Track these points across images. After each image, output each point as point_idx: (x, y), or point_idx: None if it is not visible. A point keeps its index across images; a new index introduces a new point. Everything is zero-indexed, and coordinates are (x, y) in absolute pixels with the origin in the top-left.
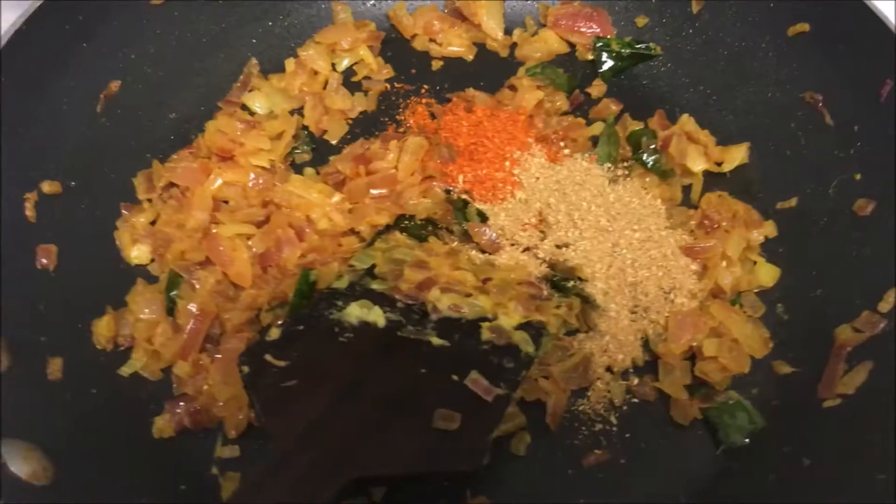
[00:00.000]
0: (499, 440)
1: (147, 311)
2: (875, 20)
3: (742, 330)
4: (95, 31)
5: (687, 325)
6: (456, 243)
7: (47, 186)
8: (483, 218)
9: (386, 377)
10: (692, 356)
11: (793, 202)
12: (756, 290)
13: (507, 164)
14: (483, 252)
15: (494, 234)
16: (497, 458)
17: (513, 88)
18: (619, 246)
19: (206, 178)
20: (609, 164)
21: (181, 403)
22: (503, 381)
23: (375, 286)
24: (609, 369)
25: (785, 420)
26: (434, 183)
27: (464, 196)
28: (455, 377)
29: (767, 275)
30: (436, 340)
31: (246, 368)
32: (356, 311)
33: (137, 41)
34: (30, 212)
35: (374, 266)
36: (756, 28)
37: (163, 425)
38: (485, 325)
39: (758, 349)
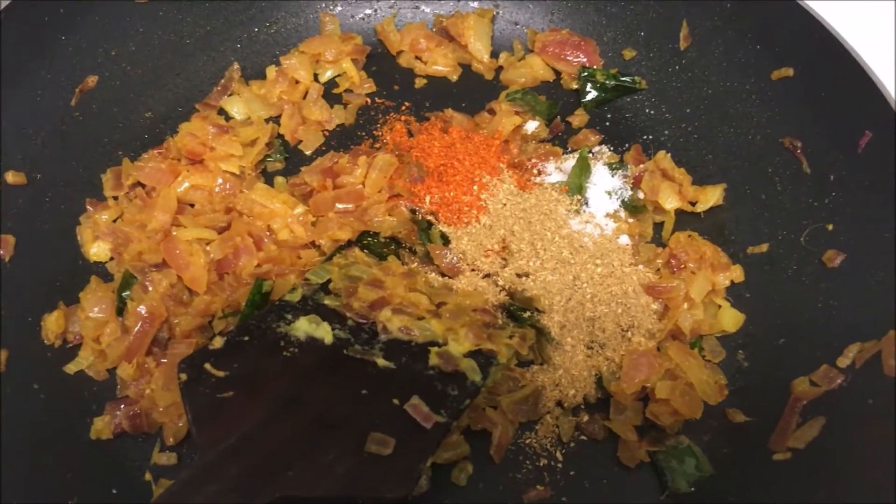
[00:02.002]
0: (440, 469)
1: (97, 309)
2: (859, 70)
3: (698, 374)
4: (76, 25)
5: (642, 364)
6: (416, 264)
7: (12, 177)
8: (446, 240)
9: (325, 396)
10: (646, 397)
11: (764, 248)
12: (718, 335)
13: (476, 188)
14: (443, 275)
15: (455, 258)
16: (436, 487)
17: (491, 112)
18: (580, 279)
19: (173, 179)
20: (579, 196)
21: (122, 406)
22: (445, 409)
23: (328, 302)
24: (560, 404)
25: (733, 470)
26: (401, 202)
27: (429, 217)
28: (396, 401)
29: (731, 320)
30: (381, 362)
31: (184, 376)
32: (304, 326)
33: (119, 38)
34: None
35: (329, 281)
36: (741, 69)
37: (101, 427)
38: (433, 349)
39: (712, 395)
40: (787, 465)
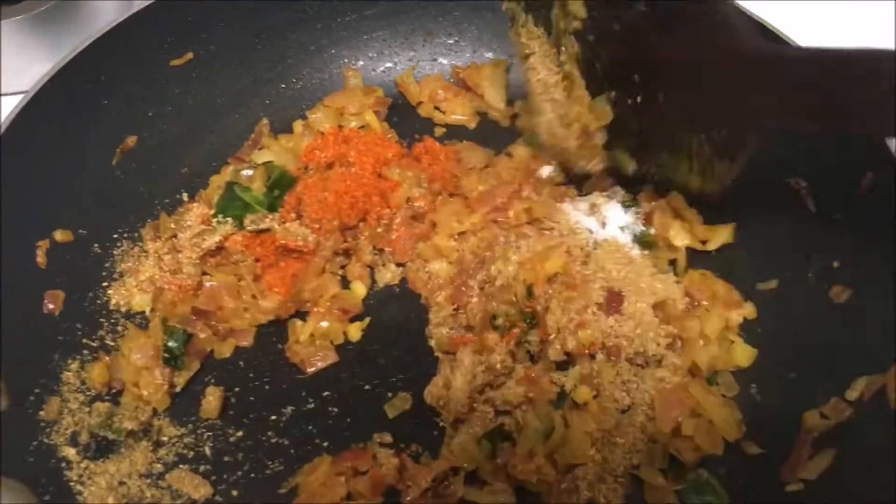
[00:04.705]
0: None
1: (138, 356)
2: None
3: (718, 412)
4: (117, 90)
5: (673, 402)
6: None
7: (59, 235)
8: None
9: None
10: None
11: (773, 284)
12: (731, 370)
13: None
14: None
15: None
16: None
17: (509, 155)
18: None
19: None
20: None
21: None
22: None
23: None
24: None
25: (749, 500)
26: None
27: None
28: None
29: (744, 355)
30: None
31: None
32: None
33: (156, 100)
34: (41, 259)
35: None
36: None
37: None
38: None
39: (731, 432)
40: (799, 496)
